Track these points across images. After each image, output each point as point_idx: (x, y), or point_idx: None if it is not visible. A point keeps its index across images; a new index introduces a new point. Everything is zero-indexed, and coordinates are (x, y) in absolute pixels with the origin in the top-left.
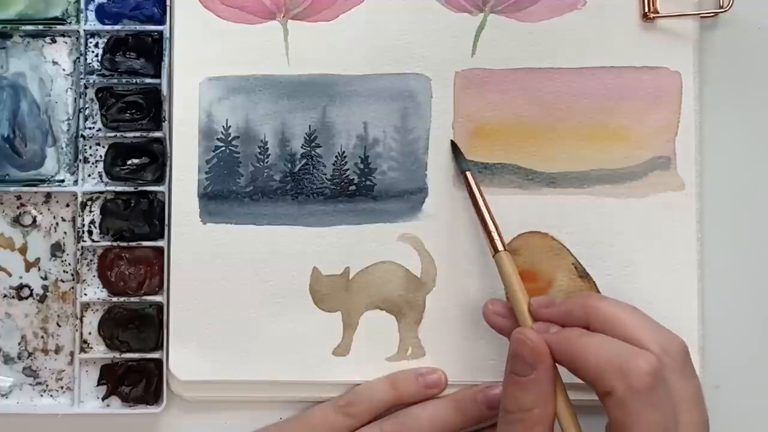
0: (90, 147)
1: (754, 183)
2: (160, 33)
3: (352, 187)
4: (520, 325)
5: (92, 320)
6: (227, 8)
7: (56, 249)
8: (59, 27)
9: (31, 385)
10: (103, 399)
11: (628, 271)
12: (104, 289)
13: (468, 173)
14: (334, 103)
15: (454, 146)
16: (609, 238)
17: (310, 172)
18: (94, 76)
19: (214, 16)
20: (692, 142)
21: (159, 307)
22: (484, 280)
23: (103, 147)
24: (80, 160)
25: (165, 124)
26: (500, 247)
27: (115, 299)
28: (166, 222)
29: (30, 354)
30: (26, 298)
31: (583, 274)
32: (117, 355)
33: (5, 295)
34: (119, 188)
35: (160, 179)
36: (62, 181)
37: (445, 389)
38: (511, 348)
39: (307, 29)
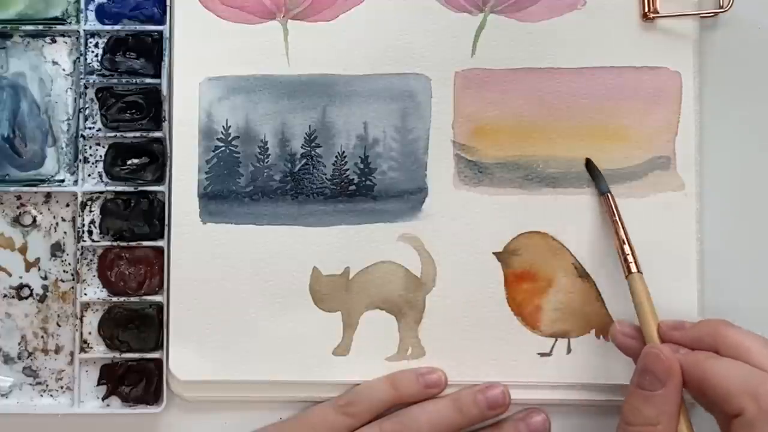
0: (90, 147)
1: (754, 183)
2: (160, 33)
3: (352, 187)
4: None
5: (92, 320)
6: (227, 8)
7: (56, 249)
8: (59, 27)
9: (31, 385)
10: (103, 399)
11: None
12: (104, 289)
13: (609, 195)
14: (334, 103)
15: (591, 166)
16: (609, 238)
17: (310, 172)
18: (94, 76)
19: (214, 16)
20: (692, 142)
21: (159, 307)
22: (484, 280)
23: (103, 147)
24: (80, 160)
25: (165, 124)
26: (634, 269)
27: (115, 299)
28: (166, 222)
29: (30, 354)
30: (26, 298)
31: (583, 274)
32: (117, 355)
33: (5, 295)
34: (119, 188)
35: (160, 179)
36: (62, 181)
37: (445, 389)
38: (642, 362)
39: (307, 29)
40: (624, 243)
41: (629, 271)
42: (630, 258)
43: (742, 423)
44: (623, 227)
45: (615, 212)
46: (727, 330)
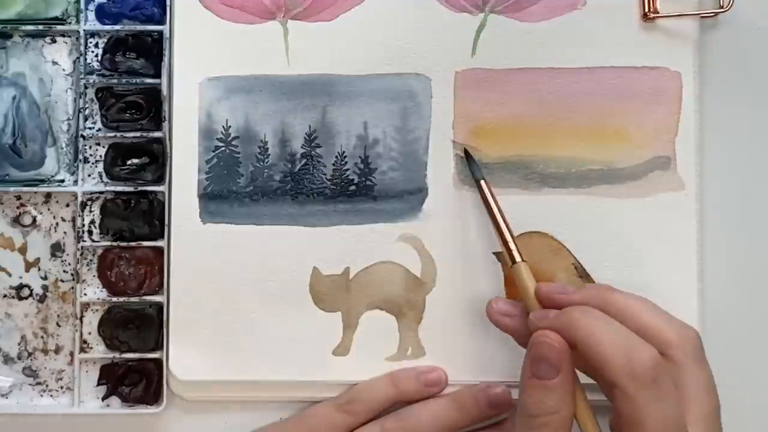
0: (90, 147)
1: (754, 183)
2: (160, 33)
3: (352, 187)
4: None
5: (92, 320)
6: (227, 8)
7: (56, 249)
8: (59, 27)
9: (31, 385)
10: (103, 399)
11: (627, 271)
12: (104, 289)
13: (482, 182)
14: (334, 103)
15: (467, 155)
16: (609, 238)
17: (310, 172)
18: (94, 76)
19: (214, 16)
20: (692, 142)
21: (159, 307)
22: (484, 280)
23: (103, 147)
24: (80, 160)
25: (165, 124)
26: (518, 258)
27: (115, 299)
28: (166, 222)
29: (30, 354)
30: (26, 298)
31: (583, 274)
32: (117, 355)
33: (5, 295)
34: (119, 188)
35: (160, 179)
36: (62, 181)
37: (445, 388)
38: (535, 351)
39: (307, 29)
40: (504, 233)
41: (513, 261)
42: (512, 246)
43: (620, 394)
44: (501, 215)
45: (491, 200)
46: (613, 294)
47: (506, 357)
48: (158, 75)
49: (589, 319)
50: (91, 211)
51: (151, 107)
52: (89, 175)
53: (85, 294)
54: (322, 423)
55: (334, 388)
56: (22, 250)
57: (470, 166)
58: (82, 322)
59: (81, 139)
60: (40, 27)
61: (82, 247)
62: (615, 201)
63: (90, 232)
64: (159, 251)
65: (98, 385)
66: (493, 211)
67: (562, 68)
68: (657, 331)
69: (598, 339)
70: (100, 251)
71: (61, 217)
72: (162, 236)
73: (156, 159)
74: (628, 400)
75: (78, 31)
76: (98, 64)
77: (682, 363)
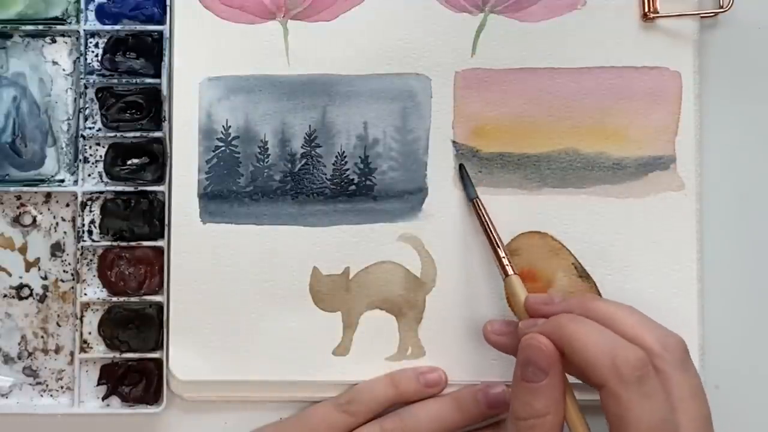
0: (90, 147)
1: (754, 183)
2: (160, 33)
3: (352, 187)
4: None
5: (92, 320)
6: (227, 8)
7: (56, 249)
8: (59, 27)
9: (31, 385)
10: (103, 399)
11: (627, 271)
12: (104, 289)
13: (475, 200)
14: (334, 103)
15: (462, 171)
16: (609, 238)
17: (310, 172)
18: (94, 76)
19: (214, 16)
20: (692, 142)
21: (159, 307)
22: (484, 280)
23: (103, 147)
24: (80, 160)
25: (165, 124)
26: (510, 272)
27: (115, 299)
28: (166, 222)
29: (30, 354)
30: (26, 298)
31: (583, 274)
32: (117, 355)
33: (5, 295)
34: (119, 188)
35: (160, 179)
36: (62, 181)
37: (445, 388)
38: (523, 354)
39: (307, 29)
40: (498, 247)
41: (506, 274)
42: (506, 261)
43: (607, 394)
44: (495, 232)
45: (485, 218)
46: (596, 302)
47: (506, 357)
48: (158, 75)
49: (575, 324)
50: (91, 211)
51: (151, 107)
52: (89, 175)
53: (85, 294)
54: (322, 423)
55: (334, 388)
56: (22, 250)
57: (464, 185)
58: (82, 322)
59: (81, 139)
60: (40, 27)
61: (82, 247)
62: (615, 201)
63: (90, 232)
64: (159, 251)
65: (98, 385)
66: (486, 228)
67: (562, 68)
68: (640, 340)
69: (584, 341)
70: (100, 251)
71: (61, 217)
72: (162, 236)
73: (156, 159)
74: (614, 399)
75: (78, 31)
76: (98, 64)
77: (666, 371)
